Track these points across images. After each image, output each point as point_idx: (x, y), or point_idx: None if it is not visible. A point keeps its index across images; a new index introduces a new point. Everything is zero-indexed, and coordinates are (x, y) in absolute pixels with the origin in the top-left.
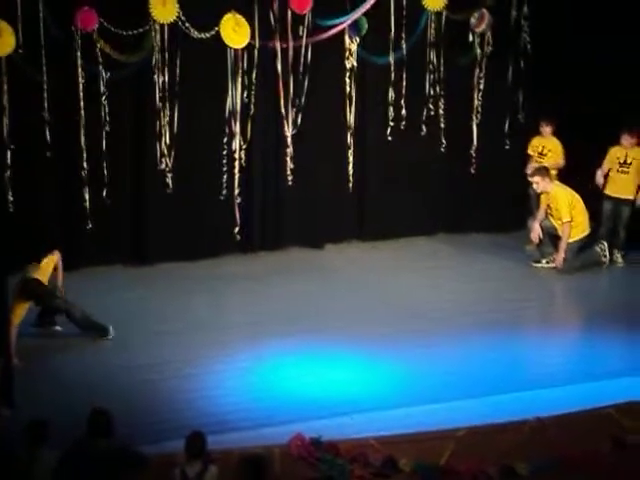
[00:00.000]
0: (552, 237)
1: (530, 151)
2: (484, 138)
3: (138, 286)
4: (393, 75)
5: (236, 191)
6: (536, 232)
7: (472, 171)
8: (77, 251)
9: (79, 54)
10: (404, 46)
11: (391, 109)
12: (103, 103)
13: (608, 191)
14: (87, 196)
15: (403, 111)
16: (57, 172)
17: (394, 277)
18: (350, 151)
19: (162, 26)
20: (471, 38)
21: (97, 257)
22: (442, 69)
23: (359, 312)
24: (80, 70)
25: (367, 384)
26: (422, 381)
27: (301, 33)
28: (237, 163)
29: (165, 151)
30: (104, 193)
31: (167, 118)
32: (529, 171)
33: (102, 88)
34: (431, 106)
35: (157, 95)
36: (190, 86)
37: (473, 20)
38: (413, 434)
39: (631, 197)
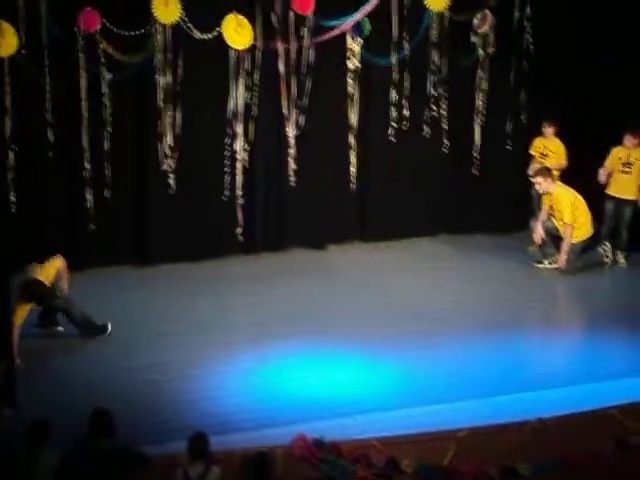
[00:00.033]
0: (554, 238)
1: (532, 152)
2: (486, 139)
3: (141, 287)
4: (396, 76)
5: (238, 192)
6: (538, 233)
7: (474, 172)
8: (79, 252)
9: (81, 55)
10: (407, 47)
11: (393, 110)
12: (105, 104)
13: (610, 191)
14: (89, 197)
15: (405, 112)
16: (59, 173)
17: (396, 278)
18: (352, 152)
19: (164, 27)
20: (474, 39)
21: (99, 258)
22: (445, 70)
23: (361, 313)
24: (82, 71)
25: (369, 385)
26: (424, 382)
27: (303, 34)
28: (239, 164)
29: (167, 152)
30: (106, 194)
31: (169, 119)
32: (531, 172)
33: (104, 89)
34: (433, 107)
35: (159, 96)
36: (192, 87)
37: (476, 21)
38: (415, 435)
39: (633, 197)
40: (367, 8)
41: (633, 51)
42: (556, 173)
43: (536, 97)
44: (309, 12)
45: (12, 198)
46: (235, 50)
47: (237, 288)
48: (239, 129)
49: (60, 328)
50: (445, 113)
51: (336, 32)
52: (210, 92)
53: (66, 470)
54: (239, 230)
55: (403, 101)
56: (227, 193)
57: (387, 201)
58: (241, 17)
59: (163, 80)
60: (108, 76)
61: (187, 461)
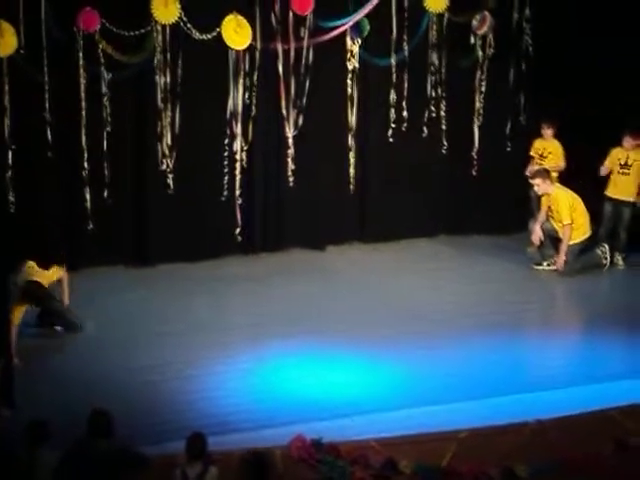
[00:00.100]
0: (553, 239)
1: (532, 153)
2: (485, 140)
3: (139, 287)
4: (395, 77)
5: (237, 192)
6: (537, 234)
7: (473, 173)
8: (78, 252)
9: (81, 55)
10: (406, 48)
11: (392, 111)
12: (104, 104)
13: (609, 193)
14: (88, 196)
15: (404, 113)
16: (58, 172)
17: (395, 279)
18: (351, 152)
19: (164, 27)
20: (473, 40)
21: (98, 258)
22: (444, 71)
23: (360, 314)
24: (82, 71)
25: (368, 386)
26: (423, 383)
27: (303, 34)
28: (238, 164)
29: (166, 152)
30: (105, 194)
31: (168, 119)
32: (529, 173)
33: (104, 89)
34: (433, 108)
35: (159, 96)
36: (191, 87)
37: (475, 22)
38: (414, 436)
39: (632, 199)
40: (366, 9)
41: (632, 52)
42: (555, 174)
43: (535, 98)
44: (308, 13)
45: (11, 198)
46: (234, 50)
47: (236, 288)
48: (238, 129)
49: (58, 328)
50: (444, 114)
51: (335, 33)
52: (209, 92)
53: (65, 470)
54: (238, 230)
55: (402, 102)
56: (226, 193)
57: (386, 202)
58: (241, 17)
59: (162, 80)
60: (107, 76)
61: (185, 461)
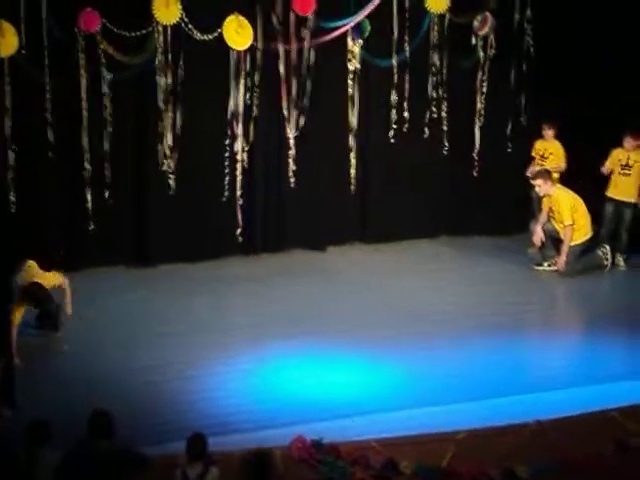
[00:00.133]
0: (554, 240)
1: (533, 154)
2: (486, 141)
3: (140, 287)
4: (396, 77)
5: (238, 193)
6: (538, 235)
7: (474, 174)
8: (79, 252)
9: (82, 55)
10: (407, 49)
11: (394, 111)
12: (105, 104)
13: (610, 193)
14: (89, 197)
15: (406, 114)
16: (59, 173)
17: (396, 280)
18: (352, 153)
19: (165, 28)
20: (474, 41)
21: (99, 258)
22: (445, 72)
23: (361, 314)
24: (83, 71)
25: (369, 386)
26: (424, 384)
27: (304, 35)
28: (239, 165)
29: (167, 153)
30: (106, 194)
31: (170, 119)
32: (530, 174)
33: (105, 89)
34: (434, 109)
35: (160, 96)
36: (193, 88)
37: (476, 23)
38: (414, 436)
39: (633, 200)
40: (367, 9)
41: (633, 53)
42: (556, 175)
43: (536, 99)
44: (310, 13)
45: (12, 198)
46: (236, 51)
47: (237, 289)
48: (239, 130)
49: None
50: (445, 115)
51: (336, 33)
52: (210, 93)
53: (66, 470)
54: (239, 231)
55: (403, 103)
56: (227, 194)
57: (387, 202)
58: (242, 18)
59: (163, 81)
60: (108, 76)
61: (186, 462)
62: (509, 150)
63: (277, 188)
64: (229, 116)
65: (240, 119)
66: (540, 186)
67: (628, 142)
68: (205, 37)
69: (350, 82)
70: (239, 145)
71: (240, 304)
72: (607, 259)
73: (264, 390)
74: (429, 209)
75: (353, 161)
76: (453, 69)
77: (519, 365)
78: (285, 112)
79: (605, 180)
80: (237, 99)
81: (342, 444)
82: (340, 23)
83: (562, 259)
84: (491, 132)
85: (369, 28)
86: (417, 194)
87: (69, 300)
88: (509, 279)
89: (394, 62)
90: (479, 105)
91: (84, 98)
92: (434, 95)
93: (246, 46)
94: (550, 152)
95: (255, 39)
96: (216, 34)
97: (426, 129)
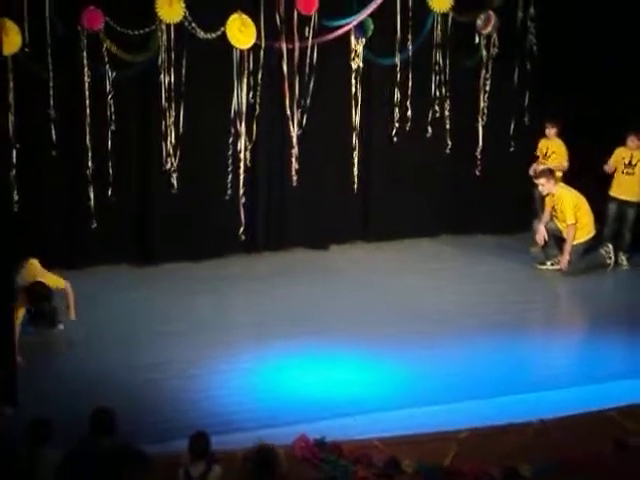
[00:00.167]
0: (557, 239)
1: (537, 152)
2: (489, 140)
3: (142, 286)
4: (399, 76)
5: (241, 191)
6: (541, 234)
7: (477, 173)
8: (81, 250)
9: (85, 53)
10: (410, 47)
11: (396, 110)
12: (109, 102)
13: (613, 192)
14: (92, 195)
15: (409, 112)
16: (62, 171)
17: (398, 278)
18: (355, 152)
19: (168, 26)
20: (477, 40)
21: (101, 256)
22: (448, 71)
23: (362, 313)
24: (86, 69)
25: (370, 385)
26: (425, 382)
27: (307, 34)
28: (242, 163)
29: (170, 151)
30: (109, 192)
31: (173, 118)
32: (532, 172)
33: (108, 87)
34: (437, 107)
35: (163, 95)
36: (196, 86)
37: (479, 22)
38: (416, 435)
39: (636, 199)
40: (371, 8)
41: (636, 52)
42: (559, 174)
43: (539, 98)
44: (313, 12)
45: (15, 196)
46: (239, 50)
47: (239, 287)
48: (242, 128)
49: (61, 327)
50: (448, 114)
51: (340, 32)
52: (213, 91)
53: (68, 468)
54: (241, 229)
55: (406, 102)
56: (229, 192)
57: (389, 201)
58: (245, 17)
59: (167, 79)
60: (112, 75)
61: (188, 460)
62: (512, 149)
63: (279, 187)
64: (232, 114)
65: (243, 118)
66: (543, 185)
67: (632, 141)
68: (208, 36)
69: (353, 81)
70: (242, 143)
71: (242, 303)
72: (610, 258)
73: (266, 389)
74: (431, 208)
75: (355, 160)
76: (456, 68)
77: (521, 364)
78: (288, 111)
79: (608, 179)
80: (240, 98)
81: (344, 443)
82: (343, 22)
83: (565, 258)
84: (494, 131)
85: (372, 27)
86: (419, 193)
87: (72, 305)
88: (511, 278)
89: (397, 61)
90: (482, 104)
91: (87, 96)
92: (437, 94)
93: (249, 45)
94: (552, 150)
95: (258, 38)
96: (219, 33)
97: (429, 128)
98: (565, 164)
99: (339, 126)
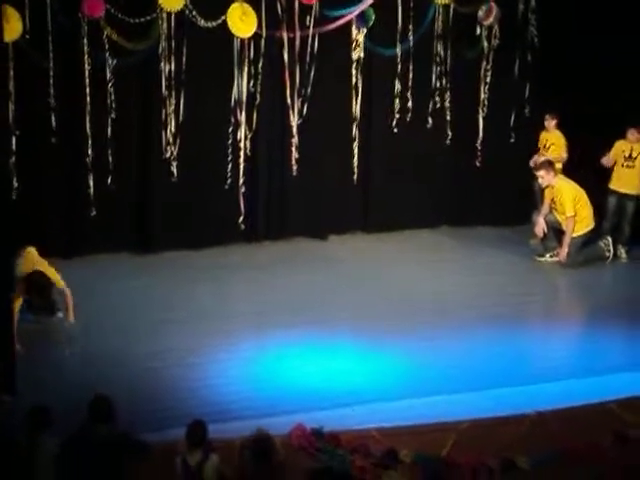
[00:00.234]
0: (556, 231)
1: (539, 144)
2: (490, 131)
3: (142, 274)
4: (400, 67)
5: (241, 180)
6: (540, 226)
7: (477, 164)
8: (81, 238)
9: (86, 41)
10: (411, 38)
11: (397, 101)
12: (109, 90)
13: (613, 185)
14: (92, 183)
15: (409, 103)
16: (62, 158)
17: (397, 269)
18: (355, 142)
19: (169, 14)
20: (478, 31)
21: (101, 244)
22: (449, 62)
23: (362, 304)
24: (86, 57)
25: (369, 375)
26: (424, 373)
27: (308, 23)
28: (242, 152)
29: (170, 139)
30: (109, 180)
31: (173, 106)
32: (532, 163)
33: (108, 75)
34: (437, 98)
35: (163, 83)
36: (196, 75)
37: (481, 13)
38: (414, 426)
39: (636, 192)
40: None
41: (634, 50)
42: (558, 166)
43: (540, 90)
44: (314, 1)
45: (14, 183)
46: (239, 38)
47: (238, 276)
48: (242, 117)
49: (60, 315)
50: (449, 105)
51: (341, 22)
52: (214, 80)
53: (66, 456)
54: (241, 218)
55: (407, 92)
56: (229, 181)
57: (389, 192)
58: (246, 5)
59: (167, 68)
60: (112, 62)
61: (186, 449)
62: (512, 140)
63: (280, 176)
64: (232, 103)
65: (243, 107)
66: (543, 177)
67: (632, 134)
68: (209, 24)
69: (354, 71)
70: (242, 132)
71: (242, 291)
72: (609, 251)
73: (265, 378)
74: (431, 199)
75: (356, 150)
76: (457, 59)
77: (520, 356)
78: (288, 100)
79: (608, 172)
80: (241, 86)
81: (342, 433)
82: (344, 12)
83: (564, 250)
84: (494, 122)
85: (373, 17)
86: (419, 184)
87: (71, 307)
88: (511, 270)
89: (398, 51)
90: (483, 95)
91: (88, 84)
92: (438, 85)
93: (250, 33)
94: (552, 142)
95: (259, 27)
96: (220, 21)
97: (429, 119)
98: (564, 155)
99: (339, 116)
